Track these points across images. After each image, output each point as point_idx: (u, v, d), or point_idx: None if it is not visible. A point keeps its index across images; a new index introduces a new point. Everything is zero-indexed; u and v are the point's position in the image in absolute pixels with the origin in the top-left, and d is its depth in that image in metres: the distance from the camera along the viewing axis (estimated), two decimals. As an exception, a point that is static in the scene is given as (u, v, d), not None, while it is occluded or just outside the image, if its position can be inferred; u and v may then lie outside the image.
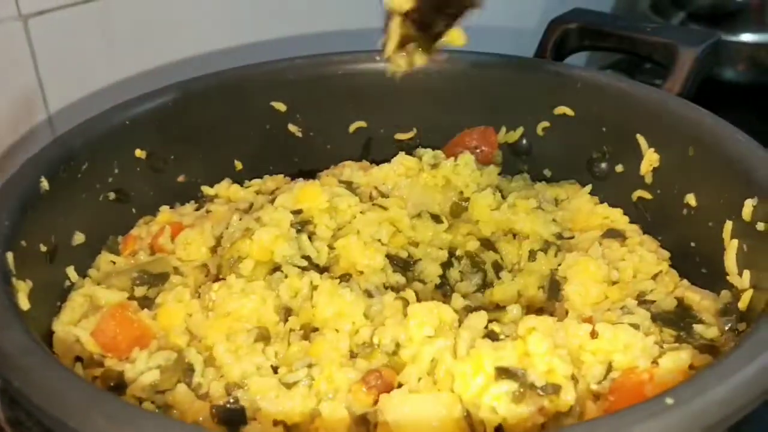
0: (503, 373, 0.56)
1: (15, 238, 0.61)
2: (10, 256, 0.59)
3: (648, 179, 0.79)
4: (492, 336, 0.62)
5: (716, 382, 0.43)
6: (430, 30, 0.67)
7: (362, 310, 0.65)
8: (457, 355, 0.59)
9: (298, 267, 0.71)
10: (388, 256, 0.75)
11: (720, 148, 0.70)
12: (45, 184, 0.68)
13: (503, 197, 0.83)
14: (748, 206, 0.65)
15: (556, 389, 0.56)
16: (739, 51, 1.27)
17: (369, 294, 0.69)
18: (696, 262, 0.73)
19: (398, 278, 0.74)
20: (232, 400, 0.58)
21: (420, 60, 0.69)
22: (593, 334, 0.61)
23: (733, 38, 1.27)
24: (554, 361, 0.57)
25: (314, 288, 0.67)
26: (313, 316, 0.66)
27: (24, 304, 0.58)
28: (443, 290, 0.77)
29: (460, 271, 0.78)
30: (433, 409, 0.56)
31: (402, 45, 0.68)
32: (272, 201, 0.78)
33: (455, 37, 0.68)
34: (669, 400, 0.42)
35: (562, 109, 0.85)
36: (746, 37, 1.27)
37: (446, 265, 0.78)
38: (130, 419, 0.42)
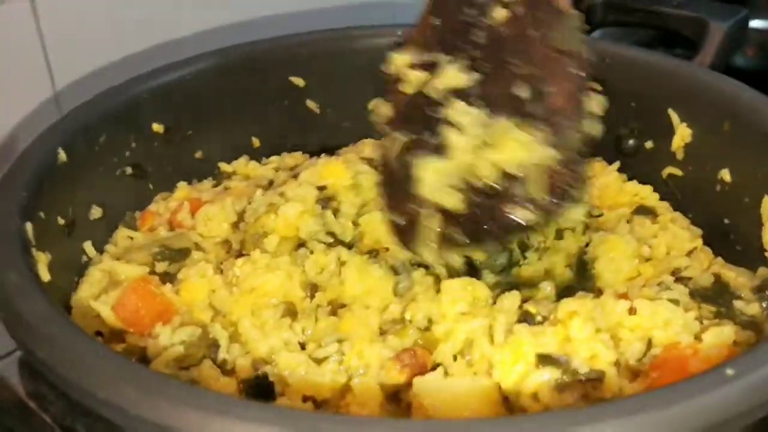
0: (545, 360, 0.54)
1: (33, 209, 0.59)
2: (29, 226, 0.57)
3: (679, 155, 0.77)
4: (528, 318, 0.60)
5: (776, 353, 0.41)
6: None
7: (391, 286, 0.64)
8: (495, 340, 0.57)
9: (324, 243, 0.69)
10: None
11: (758, 121, 0.68)
12: (62, 155, 0.66)
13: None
14: (789, 179, 0.63)
15: (600, 375, 0.54)
16: (749, 37, 1.25)
17: (395, 271, 0.67)
18: (730, 240, 0.71)
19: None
20: (260, 375, 0.56)
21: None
22: (631, 311, 0.59)
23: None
24: (597, 346, 0.55)
25: (342, 264, 0.65)
26: (341, 292, 0.64)
27: (45, 275, 0.56)
28: (468, 269, 0.75)
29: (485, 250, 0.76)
30: (470, 395, 0.54)
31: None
32: (295, 176, 0.76)
33: None
34: (729, 371, 0.40)
35: (590, 85, 0.83)
36: (756, 24, 1.25)
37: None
38: (161, 389, 0.40)
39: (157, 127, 0.78)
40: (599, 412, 0.37)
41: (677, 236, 0.71)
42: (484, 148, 0.60)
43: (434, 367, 0.58)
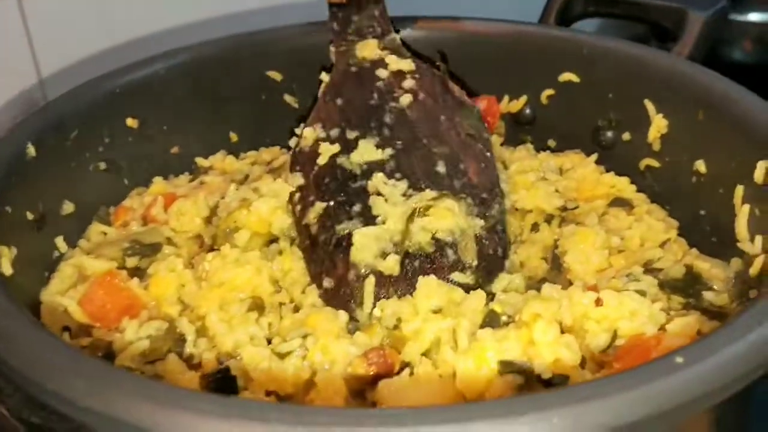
0: (508, 366, 0.54)
1: (-1, 203, 0.59)
2: (-8, 220, 0.57)
3: (656, 146, 0.77)
4: (493, 318, 0.59)
5: (728, 341, 0.41)
6: None
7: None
8: (458, 346, 0.56)
9: (295, 239, 0.69)
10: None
11: (731, 110, 0.67)
12: (31, 150, 0.65)
13: (505, 168, 0.81)
14: (761, 168, 0.62)
15: (563, 380, 0.53)
16: (747, 30, 1.24)
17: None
18: (705, 231, 0.70)
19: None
20: (223, 369, 0.56)
21: None
22: (598, 302, 0.58)
23: (741, 18, 1.24)
24: (561, 350, 0.54)
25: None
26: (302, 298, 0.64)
27: (6, 269, 0.56)
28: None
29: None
30: (435, 398, 0.53)
31: None
32: (271, 171, 0.76)
33: None
34: (679, 359, 0.39)
35: (568, 76, 0.82)
36: (754, 17, 1.24)
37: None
38: (112, 381, 0.40)
39: (131, 122, 0.78)
40: (545, 401, 0.37)
41: (652, 228, 0.70)
42: (414, 216, 0.64)
43: (402, 367, 0.57)
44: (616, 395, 0.37)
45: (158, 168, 0.81)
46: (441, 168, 0.67)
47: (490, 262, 0.65)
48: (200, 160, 0.84)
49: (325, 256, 0.64)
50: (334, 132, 0.71)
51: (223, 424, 0.37)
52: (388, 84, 0.74)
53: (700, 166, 0.71)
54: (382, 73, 0.75)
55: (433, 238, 0.63)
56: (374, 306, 0.61)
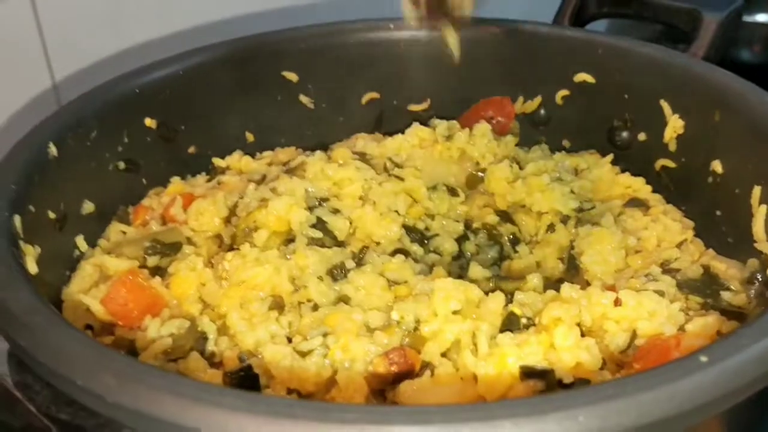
0: (529, 371, 0.54)
1: (22, 202, 0.60)
2: (17, 219, 0.58)
3: (672, 147, 0.77)
4: (512, 321, 0.59)
5: (752, 340, 0.41)
6: None
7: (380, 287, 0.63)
8: (478, 351, 0.56)
9: (313, 238, 0.69)
10: (406, 227, 0.74)
11: (748, 111, 0.67)
12: (53, 150, 0.66)
13: (520, 168, 0.81)
14: (779, 169, 0.62)
15: (584, 384, 0.53)
16: (756, 31, 1.24)
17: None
18: (722, 232, 0.71)
19: (416, 249, 0.72)
20: (245, 367, 0.56)
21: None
22: (617, 302, 0.59)
23: (749, 19, 1.24)
24: (582, 354, 0.54)
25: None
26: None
27: (32, 267, 0.57)
28: (460, 262, 0.75)
29: (476, 245, 0.76)
30: (454, 400, 0.54)
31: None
32: (288, 171, 0.77)
33: None
34: (703, 358, 0.40)
35: (583, 77, 0.83)
36: (762, 18, 1.24)
37: (462, 238, 0.76)
38: (139, 376, 0.40)
39: (149, 122, 0.78)
40: (571, 399, 0.37)
41: (668, 228, 0.71)
42: None
43: (422, 367, 0.58)
44: (642, 393, 0.38)
45: (176, 168, 0.82)
46: None
47: None
48: (217, 161, 0.84)
49: None
50: None
51: (252, 421, 0.38)
52: None
53: (717, 166, 0.71)
54: None
55: None
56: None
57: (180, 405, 0.39)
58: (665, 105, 0.76)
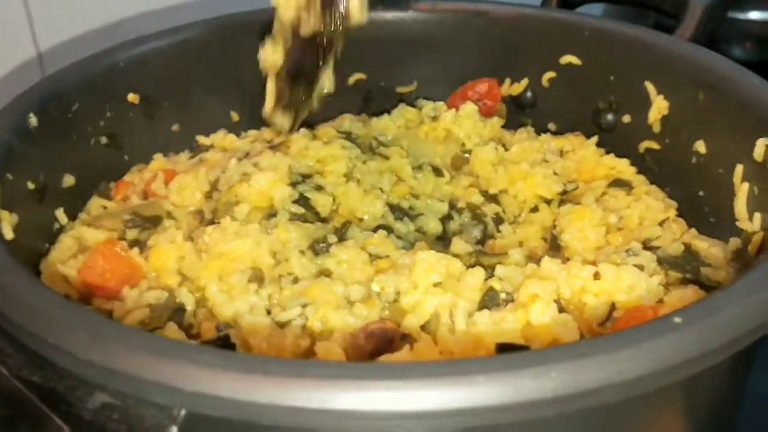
0: (505, 350, 0.53)
1: (1, 170, 0.59)
2: (-6, 185, 0.57)
3: (656, 128, 0.77)
4: (492, 297, 0.59)
5: (726, 303, 0.41)
6: (303, 79, 0.70)
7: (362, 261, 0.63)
8: (455, 328, 0.56)
9: (296, 214, 0.69)
10: (390, 206, 0.73)
11: (731, 90, 0.67)
12: (33, 120, 0.66)
13: (506, 150, 0.81)
14: (761, 146, 0.62)
15: None
16: (747, 29, 1.25)
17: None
18: (704, 212, 0.71)
19: (399, 226, 0.72)
20: (222, 337, 0.56)
21: (304, 112, 0.72)
22: (596, 276, 0.59)
23: (741, 16, 1.24)
24: (559, 330, 0.54)
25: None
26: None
27: (8, 233, 0.56)
28: (443, 242, 0.75)
29: (460, 224, 0.76)
30: None
31: (281, 101, 0.72)
32: (272, 148, 0.76)
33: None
34: (677, 319, 0.39)
35: (569, 59, 0.83)
36: (754, 15, 1.25)
37: (446, 218, 0.76)
38: (113, 334, 0.40)
39: (132, 97, 0.78)
40: (544, 356, 0.37)
41: (650, 207, 0.70)
42: None
43: (402, 337, 0.57)
44: (615, 352, 0.37)
45: (159, 145, 0.81)
46: None
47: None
48: (201, 138, 0.84)
49: None
50: None
51: (227, 377, 0.37)
52: None
53: (700, 146, 0.71)
54: None
55: None
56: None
57: (153, 361, 0.38)
58: (650, 86, 0.76)
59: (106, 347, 0.39)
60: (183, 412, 0.41)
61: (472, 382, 0.36)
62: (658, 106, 0.75)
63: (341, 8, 0.68)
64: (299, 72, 0.71)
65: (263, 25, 0.85)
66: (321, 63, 0.70)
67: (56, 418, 0.43)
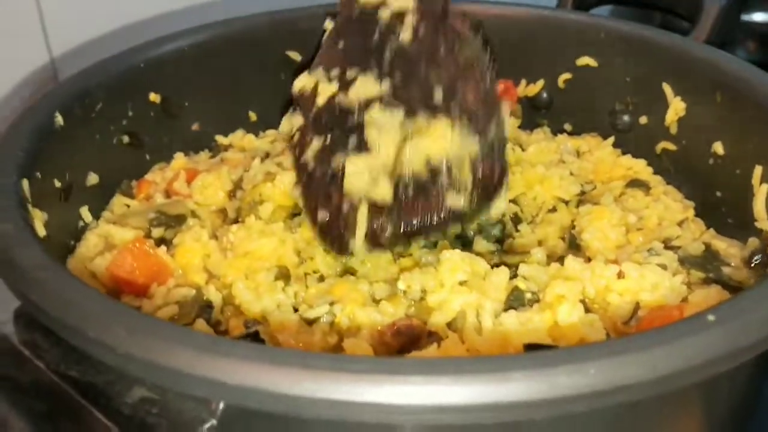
0: (533, 350, 0.53)
1: (30, 168, 0.60)
2: (25, 183, 0.58)
3: (673, 130, 0.78)
4: (517, 296, 0.60)
5: (757, 302, 0.42)
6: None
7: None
8: (482, 328, 0.57)
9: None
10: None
11: (749, 91, 0.68)
12: (59, 119, 0.66)
13: (522, 150, 0.82)
14: (780, 147, 0.63)
15: None
16: (752, 30, 1.25)
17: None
18: (722, 213, 0.71)
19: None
20: (252, 333, 0.56)
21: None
22: (620, 275, 0.59)
23: (745, 17, 1.25)
24: (585, 330, 0.55)
25: None
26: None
27: (41, 231, 0.57)
28: (463, 240, 0.75)
29: (479, 224, 0.76)
30: None
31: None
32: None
33: None
34: (711, 317, 0.40)
35: (585, 60, 0.83)
36: (758, 17, 1.25)
37: (465, 217, 0.76)
38: (148, 328, 0.40)
39: (153, 97, 0.78)
40: (581, 353, 0.38)
41: (669, 207, 0.71)
42: (408, 141, 0.62)
43: (429, 335, 0.58)
44: (650, 349, 0.38)
45: (179, 144, 0.82)
46: (438, 94, 0.64)
47: (486, 186, 0.64)
48: (220, 138, 0.85)
49: (320, 189, 0.63)
50: (334, 72, 0.69)
51: (266, 370, 0.38)
52: (390, 24, 0.70)
53: (718, 147, 0.72)
54: (384, 13, 0.71)
55: (427, 163, 0.62)
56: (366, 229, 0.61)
57: (196, 356, 0.39)
58: (667, 88, 0.77)
59: (146, 342, 0.40)
60: (222, 405, 0.42)
61: (509, 379, 0.37)
62: (675, 108, 0.76)
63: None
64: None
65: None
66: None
67: (96, 412, 0.44)
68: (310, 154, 0.66)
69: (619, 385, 0.37)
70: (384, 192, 0.61)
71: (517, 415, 0.38)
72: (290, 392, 0.38)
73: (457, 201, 0.61)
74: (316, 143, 0.65)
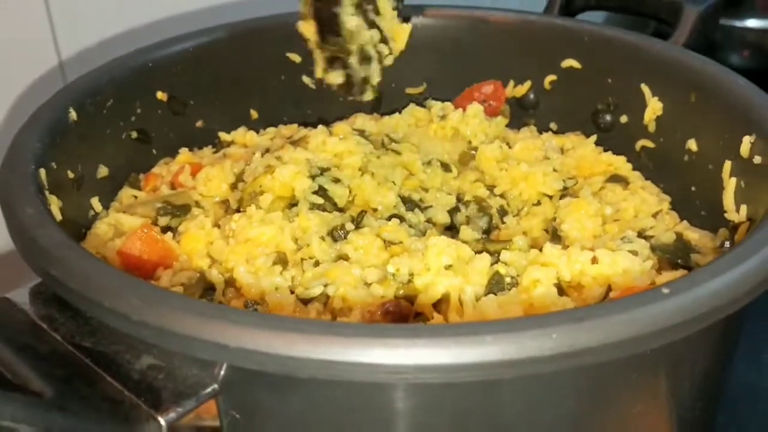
0: None
1: (46, 158, 0.64)
2: (42, 171, 0.62)
3: (651, 128, 0.82)
4: (498, 281, 0.64)
5: (709, 277, 0.46)
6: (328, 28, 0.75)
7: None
8: (464, 312, 0.61)
9: (316, 204, 0.74)
10: (402, 197, 0.78)
11: (720, 92, 0.73)
12: (73, 114, 0.71)
13: (509, 147, 0.86)
14: (746, 143, 0.67)
15: None
16: (745, 37, 1.29)
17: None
18: (696, 206, 0.76)
19: (410, 216, 0.77)
20: (251, 311, 0.61)
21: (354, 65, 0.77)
22: (594, 261, 0.64)
23: (739, 24, 1.29)
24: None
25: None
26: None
27: (57, 215, 0.61)
28: (452, 232, 0.80)
29: (466, 216, 0.81)
30: None
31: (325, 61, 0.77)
32: (292, 143, 0.82)
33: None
34: (665, 290, 0.45)
35: (569, 62, 0.88)
36: (751, 23, 1.29)
37: (454, 210, 0.81)
38: (160, 298, 0.45)
39: (161, 95, 0.83)
40: (546, 320, 0.42)
41: (645, 201, 0.76)
42: None
43: (416, 315, 0.63)
44: (608, 317, 0.43)
45: (184, 140, 0.86)
46: None
47: None
48: (223, 135, 0.89)
49: None
50: None
51: (264, 334, 0.42)
52: None
53: (692, 144, 0.76)
54: None
55: None
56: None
57: (198, 321, 0.43)
58: (645, 89, 0.81)
59: (158, 310, 0.44)
60: (223, 370, 0.47)
61: (480, 342, 0.41)
62: (653, 107, 0.81)
63: None
64: (324, 24, 0.76)
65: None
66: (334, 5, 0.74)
67: (108, 377, 0.48)
68: None
69: (579, 349, 0.42)
70: None
71: (489, 374, 0.42)
72: (286, 353, 0.42)
73: None
74: None
